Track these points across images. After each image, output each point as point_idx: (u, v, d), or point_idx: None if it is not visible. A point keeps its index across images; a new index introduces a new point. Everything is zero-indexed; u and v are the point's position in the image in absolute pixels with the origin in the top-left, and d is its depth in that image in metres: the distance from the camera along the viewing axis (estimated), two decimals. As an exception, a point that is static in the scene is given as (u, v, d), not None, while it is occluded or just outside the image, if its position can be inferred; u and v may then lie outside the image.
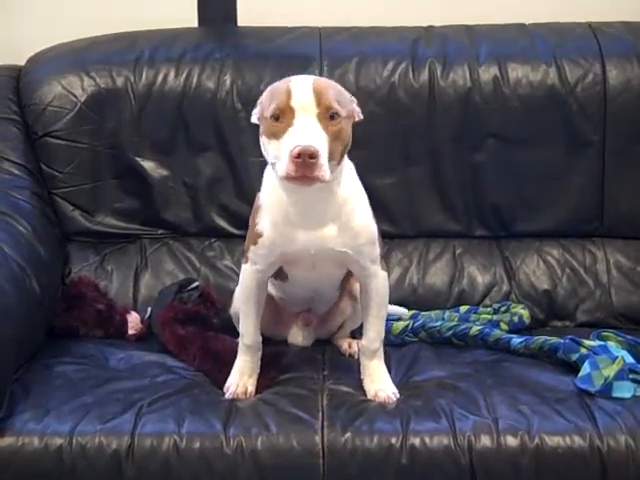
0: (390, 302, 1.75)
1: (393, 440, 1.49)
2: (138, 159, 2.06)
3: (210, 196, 2.08)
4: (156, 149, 2.06)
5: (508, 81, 2.05)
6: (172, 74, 2.05)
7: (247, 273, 1.63)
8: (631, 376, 1.60)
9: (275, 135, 1.45)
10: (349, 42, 2.13)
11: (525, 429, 1.49)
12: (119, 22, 2.15)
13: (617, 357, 1.61)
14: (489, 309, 1.97)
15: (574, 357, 1.66)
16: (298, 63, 2.06)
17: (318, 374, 1.70)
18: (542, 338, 1.74)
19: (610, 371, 1.58)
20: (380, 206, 2.08)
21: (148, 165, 2.06)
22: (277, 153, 1.45)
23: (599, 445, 1.47)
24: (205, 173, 2.07)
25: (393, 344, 1.83)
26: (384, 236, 2.08)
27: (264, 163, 1.57)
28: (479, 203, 2.08)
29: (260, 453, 1.48)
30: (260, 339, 1.65)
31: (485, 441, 1.48)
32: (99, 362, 1.76)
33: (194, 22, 2.22)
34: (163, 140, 2.06)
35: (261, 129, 1.50)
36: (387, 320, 1.89)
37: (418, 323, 1.87)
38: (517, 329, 1.88)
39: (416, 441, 1.48)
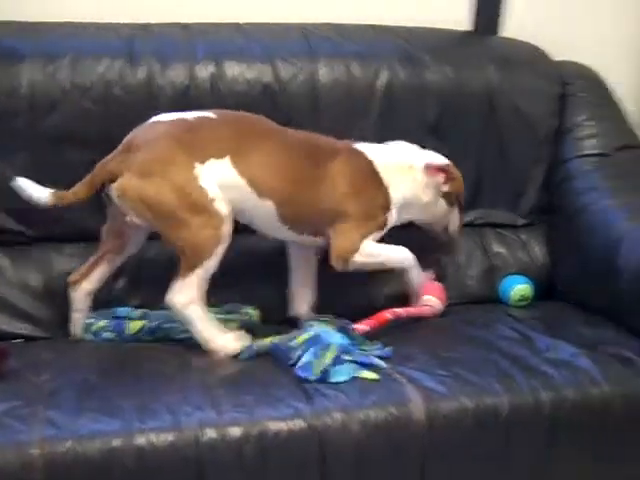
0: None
1: (117, 443, 1.46)
2: None
3: None
4: None
5: (225, 79, 2.09)
6: None
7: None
8: (346, 358, 1.69)
9: None
10: (62, 38, 2.07)
11: (248, 418, 1.54)
12: None
13: (329, 344, 1.69)
14: (220, 309, 1.99)
15: (294, 355, 1.70)
16: (7, 59, 1.98)
17: (38, 377, 1.64)
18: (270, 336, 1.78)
19: (327, 358, 1.66)
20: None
21: None
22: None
23: (317, 425, 1.55)
24: None
25: (128, 341, 1.84)
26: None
27: None
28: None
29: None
30: None
31: (211, 434, 1.51)
32: None
33: None
34: None
35: None
36: (121, 318, 1.91)
37: (155, 324, 1.87)
38: (248, 328, 1.90)
39: (141, 441, 1.47)
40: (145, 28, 2.15)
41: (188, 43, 2.13)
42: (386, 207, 1.95)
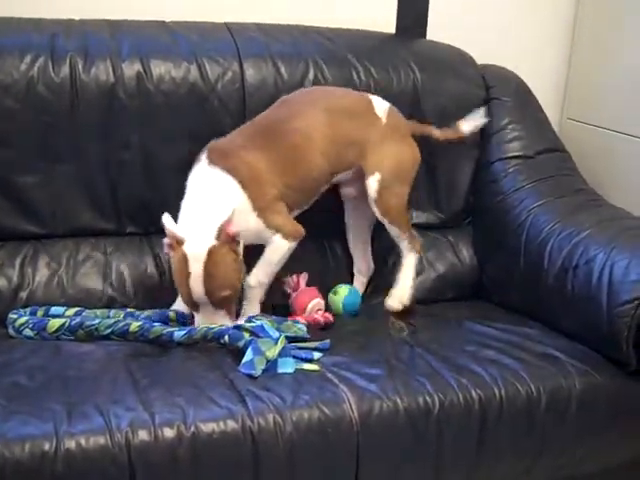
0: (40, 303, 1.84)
1: (46, 447, 1.43)
2: None
3: None
4: None
5: (152, 77, 2.06)
6: None
7: None
8: (292, 352, 1.71)
9: None
10: (-19, 33, 2.02)
11: (181, 419, 1.51)
12: None
13: (278, 337, 1.70)
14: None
15: (240, 344, 1.70)
16: None
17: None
18: (204, 327, 1.76)
19: (273, 352, 1.67)
20: (26, 206, 2.02)
21: None
22: None
23: (250, 425, 1.54)
24: None
25: (46, 339, 1.80)
26: (30, 237, 2.03)
27: None
28: (128, 200, 2.08)
29: None
30: None
31: (143, 435, 1.48)
32: None
33: None
34: None
35: None
36: (44, 316, 1.88)
37: (76, 321, 1.82)
38: (185, 319, 1.88)
39: (71, 444, 1.44)
40: (68, 24, 2.10)
41: (113, 40, 2.09)
42: None
